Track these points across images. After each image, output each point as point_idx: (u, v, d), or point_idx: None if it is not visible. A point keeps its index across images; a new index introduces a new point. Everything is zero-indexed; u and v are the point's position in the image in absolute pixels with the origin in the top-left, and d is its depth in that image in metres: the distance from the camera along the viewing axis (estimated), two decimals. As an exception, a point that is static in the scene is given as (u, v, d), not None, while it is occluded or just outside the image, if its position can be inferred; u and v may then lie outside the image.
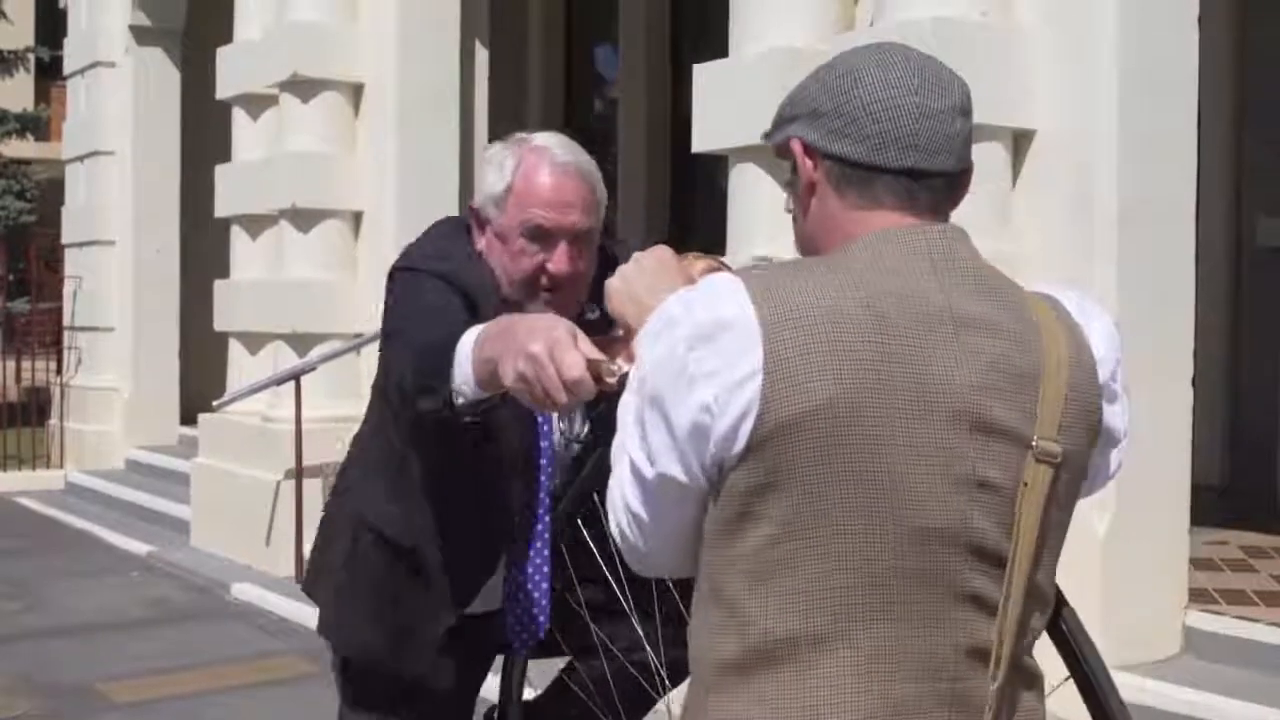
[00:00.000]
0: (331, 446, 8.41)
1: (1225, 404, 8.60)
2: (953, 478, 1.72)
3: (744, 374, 1.70)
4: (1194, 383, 5.36)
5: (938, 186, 1.85)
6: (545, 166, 2.79)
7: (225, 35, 10.09)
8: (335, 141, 8.90)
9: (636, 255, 2.17)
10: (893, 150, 1.81)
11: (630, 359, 1.97)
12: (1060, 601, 1.99)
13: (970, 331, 1.76)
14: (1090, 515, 4.95)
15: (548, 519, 2.98)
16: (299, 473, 8.26)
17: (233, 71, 9.74)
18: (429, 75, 8.68)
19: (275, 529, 8.60)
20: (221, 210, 9.94)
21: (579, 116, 13.35)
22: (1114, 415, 1.90)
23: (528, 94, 13.28)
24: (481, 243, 2.86)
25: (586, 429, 3.00)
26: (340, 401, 8.66)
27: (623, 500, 1.83)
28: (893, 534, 1.71)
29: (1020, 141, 5.22)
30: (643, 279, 2.12)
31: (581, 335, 2.13)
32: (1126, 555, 5.07)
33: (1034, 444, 1.76)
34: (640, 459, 1.79)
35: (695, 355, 1.72)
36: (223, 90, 9.89)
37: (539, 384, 2.11)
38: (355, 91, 8.94)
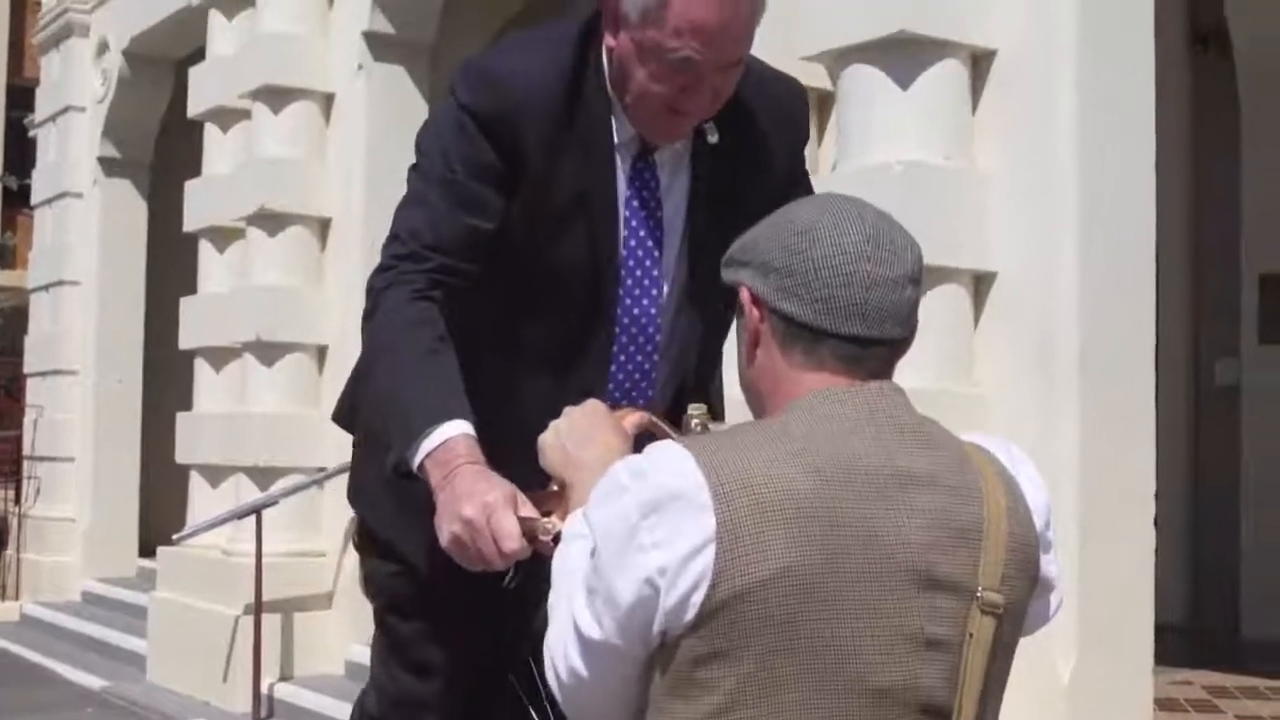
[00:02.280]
0: (293, 581, 8.39)
1: (1186, 542, 8.64)
2: (903, 637, 1.73)
3: (696, 545, 1.70)
4: (1156, 523, 5.37)
5: (882, 354, 1.88)
6: None
7: (194, 168, 10.16)
8: (301, 275, 8.93)
9: (568, 409, 2.16)
10: (841, 316, 1.83)
11: (564, 516, 2.00)
12: None
13: (915, 489, 1.78)
14: (1055, 660, 4.94)
15: (647, 390, 2.58)
16: (258, 608, 8.18)
17: (201, 205, 9.79)
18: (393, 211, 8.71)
19: (233, 665, 8.50)
20: (186, 342, 9.94)
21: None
22: (1048, 563, 1.93)
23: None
24: (612, 41, 2.45)
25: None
26: (302, 535, 8.63)
27: (563, 653, 1.83)
28: (845, 699, 1.71)
29: (981, 284, 5.27)
30: (575, 433, 2.11)
31: (520, 496, 2.13)
32: (1091, 698, 5.05)
33: (979, 595, 1.78)
34: (584, 620, 1.79)
35: (646, 524, 1.72)
36: (190, 223, 9.94)
37: (474, 548, 2.11)
38: (322, 226, 8.99)
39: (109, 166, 12.20)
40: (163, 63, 11.74)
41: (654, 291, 2.56)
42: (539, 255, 2.49)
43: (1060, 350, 5.11)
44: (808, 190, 2.71)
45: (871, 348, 1.86)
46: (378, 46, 8.80)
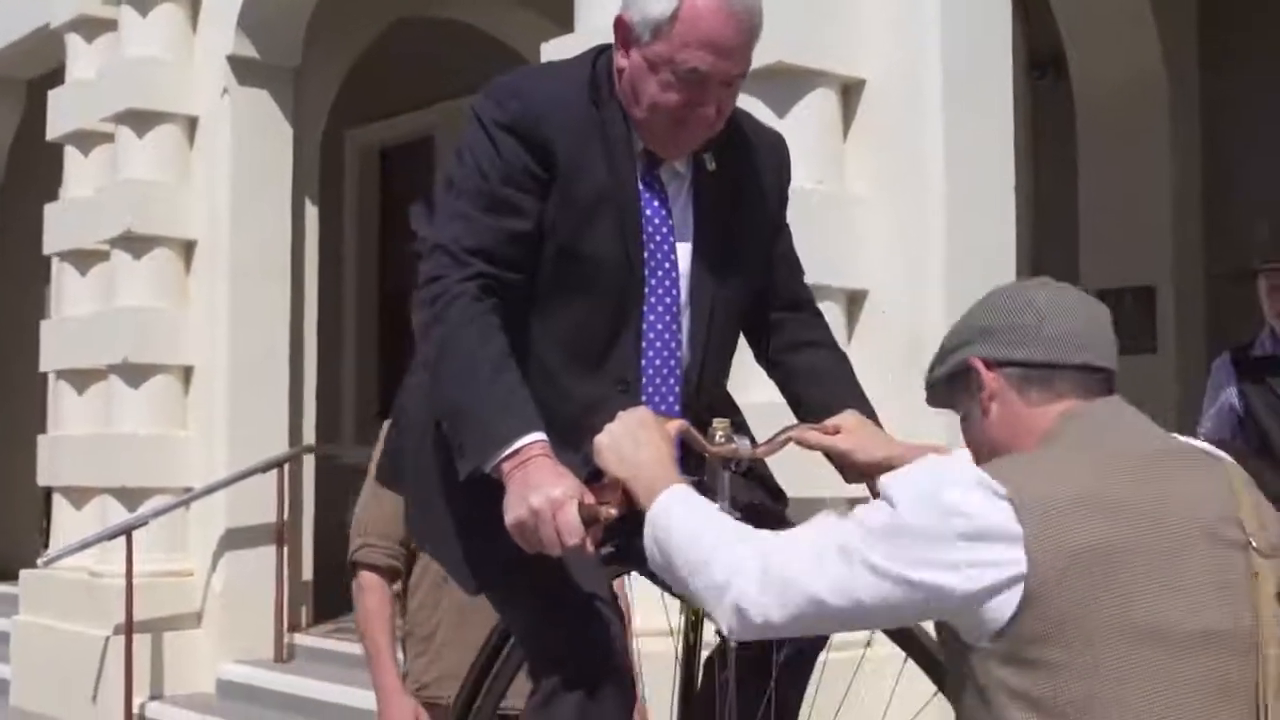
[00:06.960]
0: (162, 601, 8.41)
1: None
2: (1210, 585, 1.99)
3: (1005, 571, 1.97)
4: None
5: (1104, 382, 2.18)
6: (719, 2, 2.58)
7: (48, 190, 10.12)
8: (167, 297, 8.97)
9: (621, 415, 2.43)
10: (1071, 348, 2.15)
11: (618, 504, 2.34)
12: None
13: (1180, 464, 2.09)
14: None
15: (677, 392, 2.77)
16: (129, 627, 8.18)
17: (61, 227, 9.76)
18: (260, 231, 8.83)
19: (103, 685, 8.50)
20: (47, 364, 9.89)
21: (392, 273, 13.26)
22: None
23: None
24: (623, 60, 2.69)
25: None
26: (169, 555, 8.67)
27: (803, 588, 2.04)
28: (1171, 649, 1.96)
29: (853, 302, 5.54)
30: (628, 437, 2.39)
31: (584, 489, 2.40)
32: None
33: (1251, 543, 2.05)
34: (888, 568, 2.00)
35: (959, 533, 1.98)
36: (50, 245, 9.91)
37: (535, 534, 2.37)
38: (187, 247, 9.03)
39: (-43, 189, 12.07)
40: (14, 84, 11.68)
41: (675, 291, 2.76)
42: (574, 245, 2.66)
43: (928, 362, 5.38)
44: (789, 242, 3.00)
45: (1095, 374, 2.17)
46: (242, 70, 8.91)
